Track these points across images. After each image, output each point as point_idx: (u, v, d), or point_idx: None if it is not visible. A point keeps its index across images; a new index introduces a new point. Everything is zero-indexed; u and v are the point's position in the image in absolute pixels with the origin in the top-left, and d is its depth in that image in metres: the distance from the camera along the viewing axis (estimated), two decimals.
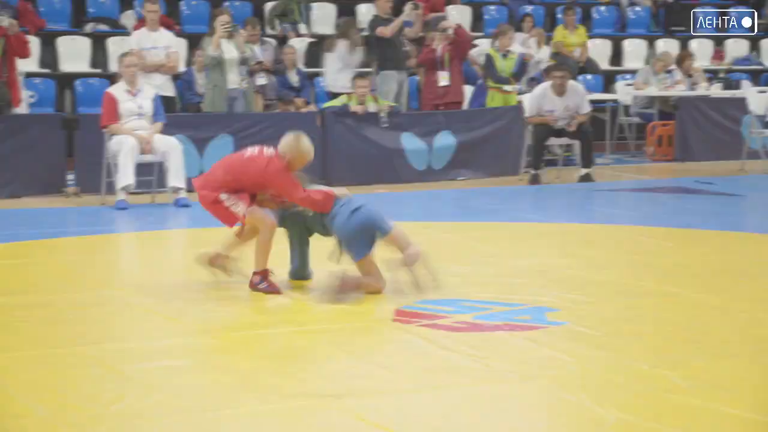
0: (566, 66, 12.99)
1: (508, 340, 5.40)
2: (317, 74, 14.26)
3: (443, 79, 12.90)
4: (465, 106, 13.51)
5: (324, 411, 4.33)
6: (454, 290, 6.48)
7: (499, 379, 4.80)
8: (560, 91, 12.02)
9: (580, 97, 12.18)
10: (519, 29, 15.20)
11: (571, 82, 12.26)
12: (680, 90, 14.61)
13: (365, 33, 13.40)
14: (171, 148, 10.36)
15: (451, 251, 7.95)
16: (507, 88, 13.24)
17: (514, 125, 12.70)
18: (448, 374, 4.84)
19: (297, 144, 6.51)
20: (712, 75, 15.79)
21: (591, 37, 16.25)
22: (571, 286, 6.54)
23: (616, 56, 16.82)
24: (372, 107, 12.07)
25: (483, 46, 14.20)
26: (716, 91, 14.97)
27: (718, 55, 16.92)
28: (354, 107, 11.94)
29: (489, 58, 13.24)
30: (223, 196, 6.40)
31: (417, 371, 4.88)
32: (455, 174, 12.48)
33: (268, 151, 6.50)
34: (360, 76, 12.17)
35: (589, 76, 15.47)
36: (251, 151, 6.55)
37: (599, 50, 16.47)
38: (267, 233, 6.38)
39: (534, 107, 12.15)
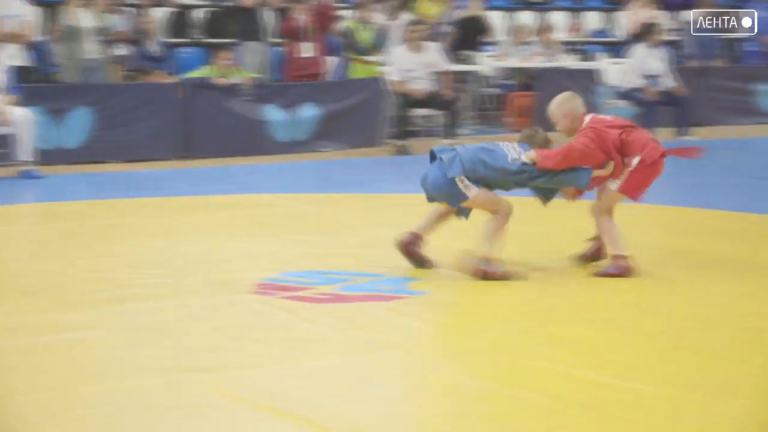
0: (423, 22, 13.08)
1: (371, 311, 5.44)
2: (178, 45, 14.04)
3: (306, 50, 12.86)
4: (328, 77, 13.50)
5: (185, 386, 4.29)
6: (316, 261, 6.50)
7: (362, 349, 4.84)
8: (417, 46, 12.14)
9: (437, 53, 12.35)
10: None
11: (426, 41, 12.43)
12: (539, 61, 14.90)
13: (229, 3, 13.23)
14: (22, 120, 10.08)
15: (314, 223, 7.97)
16: (368, 59, 13.28)
17: (376, 96, 12.76)
18: (311, 346, 4.86)
19: None
20: (569, 47, 16.15)
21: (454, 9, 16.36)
22: (433, 255, 6.61)
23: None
24: (235, 79, 11.97)
25: (346, 17, 14.20)
26: (573, 62, 15.33)
27: (575, 27, 17.31)
28: (216, 79, 11.81)
29: (349, 30, 13.25)
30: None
31: (280, 344, 4.88)
32: (319, 146, 12.48)
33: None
34: (223, 48, 12.06)
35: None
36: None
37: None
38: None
39: (396, 70, 12.26)
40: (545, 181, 6.13)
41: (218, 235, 7.39)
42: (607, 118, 6.44)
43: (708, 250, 6.65)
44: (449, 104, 12.46)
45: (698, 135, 12.51)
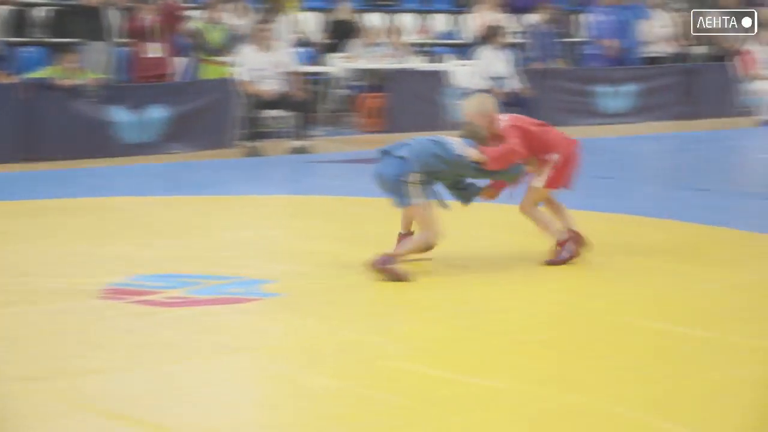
0: (270, 22, 13.04)
1: (222, 313, 5.40)
2: (19, 44, 13.63)
3: (153, 50, 12.68)
4: (177, 78, 13.33)
5: (29, 395, 4.17)
6: (165, 265, 6.41)
7: (212, 352, 4.79)
8: (266, 45, 12.11)
9: (287, 53, 12.36)
10: None
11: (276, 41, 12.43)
12: (389, 63, 15.04)
13: (73, 2, 12.90)
14: None
15: (163, 225, 7.85)
16: (219, 59, 13.18)
17: (226, 97, 12.66)
18: (160, 350, 4.79)
19: None
20: (418, 48, 16.35)
21: (303, 10, 16.39)
22: (284, 257, 6.62)
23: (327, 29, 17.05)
24: (79, 80, 11.70)
25: (195, 17, 14.05)
26: (422, 64, 15.54)
27: (424, 29, 17.53)
28: (60, 80, 11.52)
29: (198, 30, 13.12)
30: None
31: (127, 349, 4.79)
32: (168, 147, 12.30)
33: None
34: (68, 50, 11.79)
35: (301, 49, 15.61)
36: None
37: (311, 24, 16.65)
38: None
39: (245, 70, 12.20)
40: (487, 175, 6.46)
41: (63, 239, 7.21)
42: (524, 117, 6.83)
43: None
44: (300, 105, 12.45)
45: None
